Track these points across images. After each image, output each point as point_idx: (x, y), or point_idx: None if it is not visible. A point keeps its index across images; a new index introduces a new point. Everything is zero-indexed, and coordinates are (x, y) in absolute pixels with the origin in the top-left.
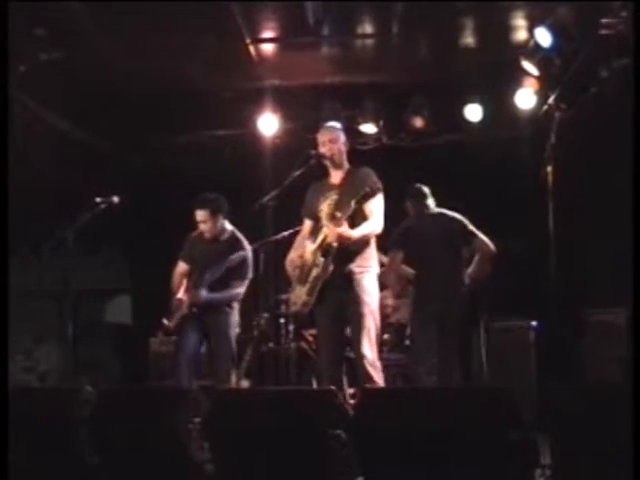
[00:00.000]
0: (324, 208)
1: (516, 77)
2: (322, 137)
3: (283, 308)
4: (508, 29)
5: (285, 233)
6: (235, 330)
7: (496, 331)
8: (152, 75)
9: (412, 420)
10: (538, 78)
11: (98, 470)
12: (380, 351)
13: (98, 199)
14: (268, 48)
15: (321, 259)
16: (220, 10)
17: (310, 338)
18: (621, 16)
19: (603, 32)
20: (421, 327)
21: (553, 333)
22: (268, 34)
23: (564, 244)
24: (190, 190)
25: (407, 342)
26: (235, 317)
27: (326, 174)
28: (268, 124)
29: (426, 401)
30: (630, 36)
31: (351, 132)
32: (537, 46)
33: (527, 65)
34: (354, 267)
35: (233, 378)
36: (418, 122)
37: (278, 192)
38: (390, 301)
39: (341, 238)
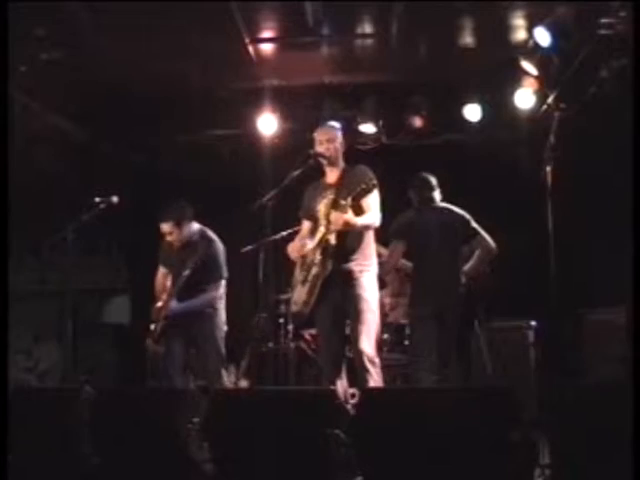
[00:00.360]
0: (321, 208)
1: (515, 77)
2: (320, 136)
3: (282, 308)
4: (507, 29)
5: (284, 233)
6: (223, 330)
7: (496, 330)
8: (152, 75)
9: (412, 420)
10: (537, 78)
11: (97, 470)
12: (380, 351)
13: (97, 199)
14: (267, 48)
15: (320, 258)
16: (219, 10)
17: (309, 338)
18: (620, 16)
19: (602, 32)
20: (419, 323)
21: (553, 333)
22: (267, 34)
23: (564, 244)
24: (189, 190)
25: (407, 342)
26: (220, 317)
27: (322, 174)
28: (267, 124)
29: (426, 401)
30: (629, 36)
31: (350, 132)
32: (536, 46)
33: (526, 65)
34: (353, 265)
35: (225, 378)
36: (417, 122)
37: (277, 192)
38: (388, 299)
39: (346, 225)
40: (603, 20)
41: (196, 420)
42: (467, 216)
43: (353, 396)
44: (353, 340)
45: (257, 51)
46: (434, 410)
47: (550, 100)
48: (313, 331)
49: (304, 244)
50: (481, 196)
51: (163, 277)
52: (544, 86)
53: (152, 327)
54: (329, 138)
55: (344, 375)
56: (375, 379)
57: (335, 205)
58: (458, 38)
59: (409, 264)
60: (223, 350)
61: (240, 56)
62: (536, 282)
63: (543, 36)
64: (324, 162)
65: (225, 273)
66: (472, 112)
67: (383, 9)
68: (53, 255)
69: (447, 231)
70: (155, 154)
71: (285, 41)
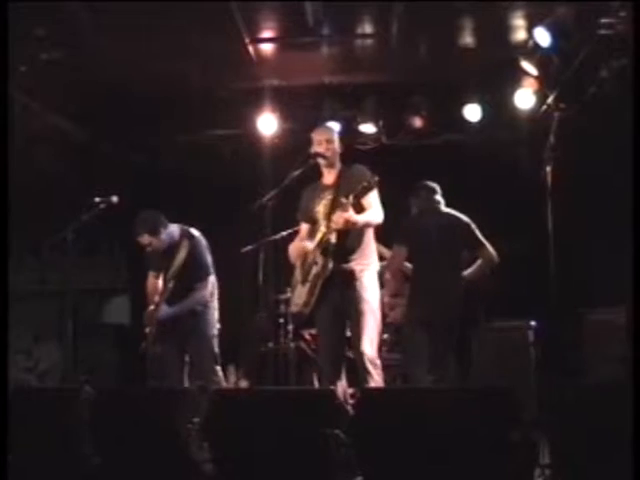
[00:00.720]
0: (320, 209)
1: (515, 77)
2: (319, 136)
3: (282, 308)
4: (507, 29)
5: (284, 233)
6: (215, 327)
7: (495, 330)
8: (152, 75)
9: (411, 420)
10: (537, 78)
11: (98, 470)
12: (380, 351)
13: (97, 199)
14: (267, 48)
15: (320, 257)
16: (219, 10)
17: (309, 338)
18: (620, 16)
19: (602, 32)
20: (416, 325)
21: (553, 333)
22: (267, 34)
23: (564, 243)
24: (190, 190)
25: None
26: (212, 315)
27: (319, 176)
28: (267, 124)
29: (425, 401)
30: (629, 36)
31: (350, 132)
32: (536, 46)
33: (526, 65)
34: (354, 265)
35: (220, 376)
36: (417, 122)
37: (277, 192)
38: (386, 299)
39: (348, 223)
40: (603, 20)
41: (196, 420)
42: (471, 224)
43: (353, 396)
44: (354, 342)
45: (257, 51)
46: (434, 410)
47: (550, 100)
48: (313, 331)
49: (305, 245)
50: (481, 196)
51: (154, 280)
52: (544, 86)
53: (147, 330)
54: (328, 138)
55: (344, 375)
56: (376, 380)
57: (336, 204)
58: (458, 38)
59: (409, 266)
60: (216, 348)
61: (240, 56)
62: (536, 282)
63: (543, 36)
64: (323, 162)
65: (211, 269)
66: (472, 112)
67: (383, 9)
68: (53, 255)
69: (448, 235)
70: (155, 154)
71: (285, 41)
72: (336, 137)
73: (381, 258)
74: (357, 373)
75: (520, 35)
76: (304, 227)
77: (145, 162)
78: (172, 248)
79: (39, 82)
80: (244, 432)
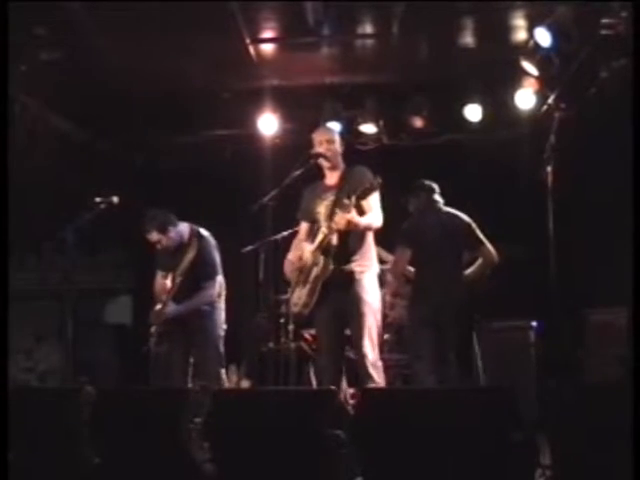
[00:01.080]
0: (322, 210)
1: (516, 77)
2: (319, 137)
3: (283, 308)
4: (508, 29)
5: (285, 233)
6: (221, 328)
7: (496, 331)
8: (152, 75)
9: (412, 420)
10: (538, 78)
11: (98, 470)
12: (380, 351)
13: (98, 199)
14: (268, 48)
15: (321, 258)
16: (220, 10)
17: (310, 338)
18: (621, 16)
19: (603, 32)
20: (418, 325)
21: (553, 333)
22: (268, 34)
23: (564, 244)
24: (190, 190)
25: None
26: (219, 316)
27: (322, 176)
28: (268, 124)
29: (426, 401)
30: (630, 36)
31: (351, 132)
32: (537, 46)
33: (527, 65)
34: (354, 266)
35: (224, 377)
36: (418, 122)
37: (278, 192)
38: (387, 298)
39: (350, 224)
40: (603, 20)
41: (197, 420)
42: (472, 224)
43: (353, 396)
44: (355, 343)
45: (258, 51)
46: (434, 410)
47: (550, 100)
48: (313, 331)
49: (302, 254)
50: (481, 196)
51: (162, 279)
52: (544, 86)
53: (152, 330)
54: (328, 139)
55: (344, 376)
56: (378, 382)
57: (338, 205)
58: (458, 38)
59: (411, 269)
60: (222, 349)
61: (241, 56)
62: (537, 282)
63: (544, 36)
64: (324, 163)
65: (220, 269)
66: (473, 112)
67: (384, 9)
68: (54, 255)
69: (449, 234)
70: (156, 154)
71: (286, 41)
72: (337, 137)
73: (381, 261)
74: (358, 375)
75: (521, 35)
76: (304, 226)
77: (145, 162)
78: (181, 247)
79: (39, 82)
80: (245, 432)
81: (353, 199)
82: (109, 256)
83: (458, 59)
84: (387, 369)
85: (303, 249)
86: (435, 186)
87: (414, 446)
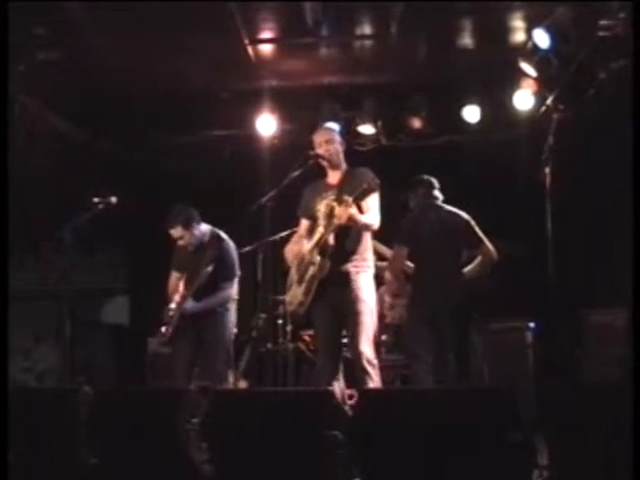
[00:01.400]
0: (321, 208)
1: (514, 78)
2: (318, 138)
3: (281, 309)
4: (506, 30)
5: (283, 234)
6: (232, 330)
7: (494, 332)
8: (151, 75)
9: (410, 421)
10: (536, 79)
11: (96, 470)
12: (378, 352)
13: (96, 199)
14: (267, 49)
15: (317, 258)
16: (219, 10)
17: (307, 339)
18: (619, 17)
19: (601, 34)
20: (417, 324)
21: (551, 333)
22: (267, 35)
23: (562, 244)
24: (188, 190)
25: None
26: (231, 317)
27: (324, 175)
28: (266, 125)
29: (424, 402)
30: (628, 38)
31: (350, 133)
32: (535, 47)
33: (525, 66)
34: (351, 266)
35: (230, 380)
36: (416, 123)
37: (276, 193)
38: (387, 298)
39: (350, 220)
40: (602, 22)
41: (195, 421)
42: (471, 221)
43: (351, 397)
44: (351, 342)
45: (256, 52)
46: (432, 411)
47: (549, 101)
48: (311, 332)
49: (301, 247)
50: (480, 197)
51: (176, 280)
52: (543, 87)
53: (163, 329)
54: (328, 140)
55: (341, 376)
56: (374, 380)
57: (338, 201)
58: (457, 39)
59: (410, 265)
60: (232, 351)
61: (239, 57)
62: (535, 283)
63: (542, 38)
64: (325, 164)
65: (238, 271)
66: (471, 113)
67: (382, 10)
68: (52, 255)
69: (449, 234)
70: (154, 154)
71: (284, 42)
72: (337, 137)
73: (381, 257)
74: (355, 374)
75: (519, 36)
76: (304, 223)
77: (144, 162)
78: (201, 247)
79: (38, 82)
80: (243, 433)
81: (350, 200)
82: (107, 256)
83: (456, 60)
84: (385, 369)
85: (302, 245)
86: (434, 181)
87: (412, 446)
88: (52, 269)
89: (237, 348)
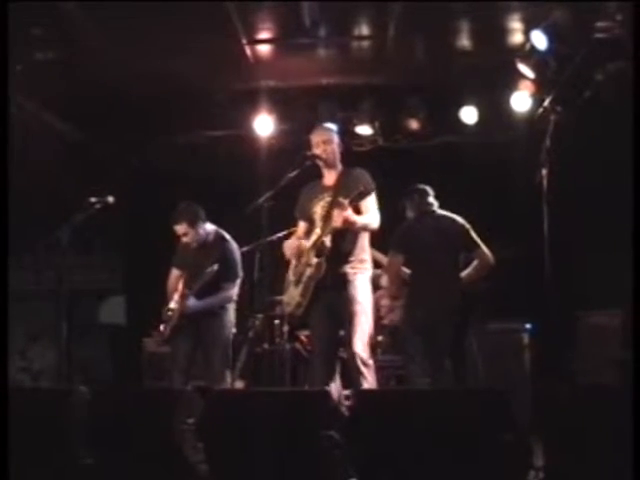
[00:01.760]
0: (317, 210)
1: (512, 80)
2: (316, 138)
3: (278, 309)
4: (504, 32)
5: (280, 234)
6: (231, 331)
7: (490, 333)
8: (148, 75)
9: (406, 421)
10: (534, 81)
11: (92, 470)
12: (374, 353)
13: (93, 199)
14: (264, 49)
15: (314, 259)
16: (216, 11)
17: (304, 339)
18: (617, 20)
19: (599, 35)
20: (414, 328)
21: (547, 335)
22: (264, 35)
23: (559, 246)
24: (185, 191)
25: (401, 344)
26: (229, 318)
27: (320, 176)
28: (264, 125)
29: (420, 403)
30: (626, 39)
31: (347, 134)
32: (533, 49)
33: (523, 68)
34: (348, 268)
35: (228, 380)
36: (414, 124)
37: (273, 193)
38: (385, 301)
39: (346, 222)
40: (599, 23)
41: (191, 421)
42: (467, 226)
43: (347, 398)
44: (347, 342)
45: (254, 52)
46: (429, 412)
47: (546, 103)
48: (308, 332)
49: (301, 243)
50: (477, 198)
51: (176, 279)
52: (540, 89)
53: (161, 328)
54: (325, 140)
55: (338, 376)
56: (369, 381)
57: (334, 204)
58: (455, 40)
59: (406, 271)
60: (230, 351)
61: (237, 57)
62: (532, 285)
63: (540, 39)
64: (321, 164)
65: (240, 272)
66: (468, 114)
67: (380, 11)
68: (48, 255)
69: (445, 238)
70: (151, 154)
71: (282, 42)
72: (334, 138)
73: (377, 265)
74: (351, 374)
75: (517, 38)
76: (301, 225)
77: (141, 162)
78: (206, 246)
79: (35, 81)
80: (239, 433)
81: (347, 202)
82: (104, 256)
83: (454, 61)
84: (381, 370)
85: (300, 244)
86: (429, 189)
87: (408, 447)
88: (49, 269)
89: (234, 348)
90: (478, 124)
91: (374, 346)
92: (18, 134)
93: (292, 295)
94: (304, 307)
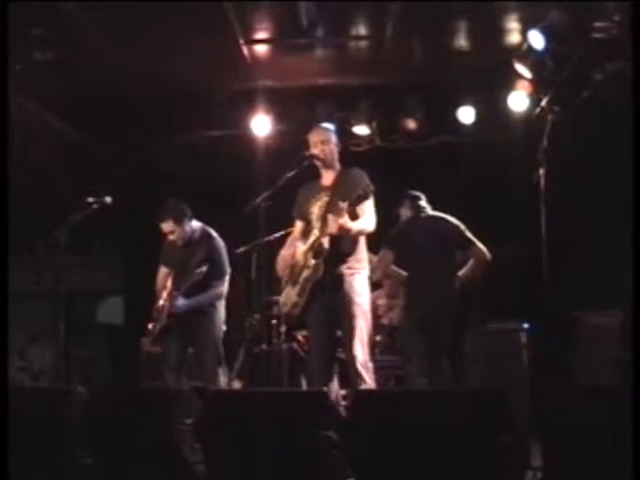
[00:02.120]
0: (315, 210)
1: (509, 80)
2: (314, 138)
3: (275, 309)
4: (501, 31)
5: (278, 234)
6: (221, 328)
7: (488, 333)
8: (146, 76)
9: (404, 422)
10: (531, 81)
11: (90, 470)
12: (372, 353)
13: (91, 199)
14: (262, 49)
15: (312, 260)
16: (214, 11)
17: (302, 339)
18: (614, 20)
19: (596, 35)
20: (412, 328)
21: (546, 335)
22: (262, 35)
23: (557, 246)
24: (183, 191)
25: (400, 344)
26: (219, 315)
27: (318, 175)
28: (261, 125)
29: (418, 403)
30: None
31: (344, 134)
32: (530, 49)
33: (520, 68)
34: (345, 268)
35: (222, 377)
36: (411, 124)
37: (271, 193)
38: (383, 301)
39: (342, 229)
40: (597, 23)
41: (189, 421)
42: (461, 225)
43: (345, 398)
44: (346, 345)
45: (251, 52)
46: (426, 412)
47: (544, 103)
48: (305, 332)
49: (294, 253)
50: (474, 198)
51: (164, 276)
52: (538, 89)
53: (150, 326)
54: (323, 140)
55: (335, 377)
56: (369, 383)
57: (331, 207)
58: (452, 40)
59: (402, 272)
60: (221, 350)
61: (234, 57)
62: (530, 285)
63: (537, 39)
64: (319, 164)
65: (228, 269)
66: (466, 114)
67: (377, 11)
68: (47, 255)
69: (440, 239)
70: (149, 154)
71: (279, 42)
72: (332, 137)
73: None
74: (350, 377)
75: (514, 38)
76: (298, 225)
77: (139, 162)
78: (192, 243)
79: (34, 81)
80: (236, 433)
81: (346, 205)
82: (102, 256)
83: (452, 61)
84: (379, 370)
85: (296, 248)
86: (420, 194)
87: (406, 447)
88: (47, 269)
89: (232, 348)
90: (476, 124)
91: (372, 347)
92: (18, 134)
93: (289, 295)
94: (301, 307)
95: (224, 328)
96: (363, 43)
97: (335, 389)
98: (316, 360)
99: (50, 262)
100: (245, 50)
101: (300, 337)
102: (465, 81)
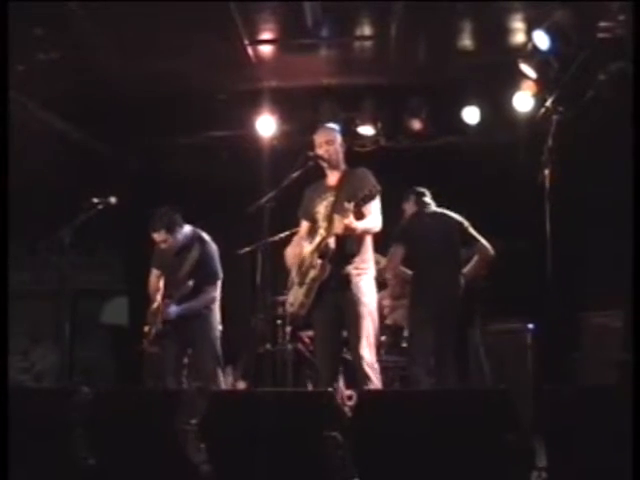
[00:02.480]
0: (320, 210)
1: (514, 80)
2: (319, 138)
3: (280, 310)
4: (506, 32)
5: (282, 235)
6: (218, 330)
7: (493, 333)
8: (150, 76)
9: (409, 422)
10: (536, 81)
11: (94, 471)
12: (378, 353)
13: (95, 199)
14: (266, 49)
15: (318, 261)
16: (219, 11)
17: (307, 340)
18: (619, 19)
19: (601, 35)
20: (418, 327)
21: (550, 335)
22: (266, 35)
23: (561, 246)
24: (188, 191)
25: (404, 344)
26: (215, 317)
27: (323, 175)
28: (266, 125)
29: (423, 403)
30: (628, 39)
31: (349, 134)
32: (535, 49)
33: (525, 68)
34: (351, 269)
35: (221, 378)
36: (416, 124)
37: (276, 193)
38: (387, 301)
39: (347, 229)
40: (602, 24)
41: (194, 421)
42: (465, 222)
43: (350, 398)
44: (352, 346)
45: (256, 53)
46: (431, 412)
47: (548, 103)
48: (311, 333)
49: (302, 249)
50: (479, 198)
51: (156, 279)
52: (543, 89)
53: (146, 329)
54: (328, 140)
55: (341, 377)
56: (375, 384)
57: (336, 207)
58: (457, 40)
59: (408, 272)
60: (219, 350)
61: (239, 58)
62: (534, 285)
63: (542, 39)
64: (324, 164)
65: (220, 273)
66: (471, 115)
67: (382, 11)
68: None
69: (446, 236)
70: (154, 155)
71: (284, 43)
72: (337, 138)
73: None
74: (355, 376)
75: (519, 38)
76: (304, 225)
77: (143, 163)
78: (184, 249)
79: (37, 82)
80: (242, 433)
81: (352, 205)
82: (106, 257)
83: (456, 61)
84: (385, 371)
85: (302, 248)
86: (425, 190)
87: (411, 448)
88: (50, 269)
89: (236, 349)
90: (480, 124)
91: (378, 347)
92: (18, 134)
93: (296, 295)
94: (307, 307)
95: (220, 328)
96: (368, 43)
97: (340, 389)
98: (322, 360)
99: (54, 262)
100: (250, 50)
101: (305, 337)
102: (470, 81)
